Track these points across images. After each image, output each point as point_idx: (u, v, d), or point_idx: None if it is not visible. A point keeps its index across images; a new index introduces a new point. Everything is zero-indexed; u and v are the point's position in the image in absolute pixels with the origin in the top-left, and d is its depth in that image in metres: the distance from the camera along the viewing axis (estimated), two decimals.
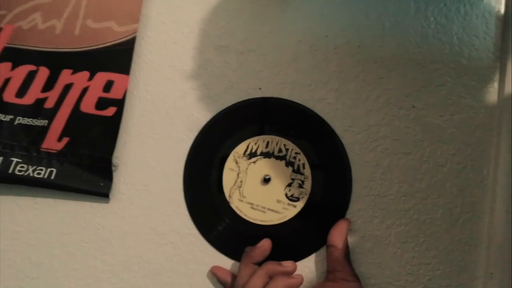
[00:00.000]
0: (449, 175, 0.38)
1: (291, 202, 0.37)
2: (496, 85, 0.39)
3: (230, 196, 0.38)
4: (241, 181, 0.38)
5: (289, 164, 0.38)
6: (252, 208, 0.38)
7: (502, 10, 0.41)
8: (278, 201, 0.38)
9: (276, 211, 0.38)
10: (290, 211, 0.37)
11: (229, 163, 0.39)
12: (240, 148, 0.39)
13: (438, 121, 0.39)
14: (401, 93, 0.40)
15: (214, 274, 0.37)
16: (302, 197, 0.37)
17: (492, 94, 0.39)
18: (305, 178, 0.38)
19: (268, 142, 0.39)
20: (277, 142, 0.38)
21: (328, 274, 0.35)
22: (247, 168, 0.38)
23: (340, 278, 0.34)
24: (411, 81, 0.40)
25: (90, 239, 0.39)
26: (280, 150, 0.38)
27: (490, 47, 0.40)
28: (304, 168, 0.38)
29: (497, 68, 0.40)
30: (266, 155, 0.39)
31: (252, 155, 0.39)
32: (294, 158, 0.38)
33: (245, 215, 0.38)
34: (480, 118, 0.39)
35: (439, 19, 0.41)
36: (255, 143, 0.39)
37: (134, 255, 0.39)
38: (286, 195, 0.38)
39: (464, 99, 0.39)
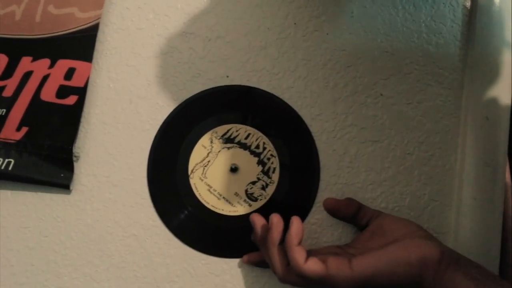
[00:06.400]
0: (417, 163, 0.38)
1: (247, 200, 0.37)
2: (462, 73, 0.39)
3: (192, 171, 0.37)
4: (209, 161, 0.37)
5: (261, 163, 0.37)
6: (209, 191, 0.37)
7: None
8: (236, 194, 0.37)
9: (230, 203, 0.37)
10: (243, 208, 0.36)
11: (204, 140, 0.38)
12: (221, 129, 0.38)
13: (405, 108, 0.39)
14: (369, 81, 0.39)
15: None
16: (260, 200, 0.37)
17: (458, 82, 0.39)
18: (270, 182, 0.37)
19: (249, 134, 0.38)
20: (258, 137, 0.37)
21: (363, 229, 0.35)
22: (219, 151, 0.37)
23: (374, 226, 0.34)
24: (379, 69, 0.39)
25: (49, 233, 0.37)
26: (257, 146, 0.37)
27: (457, 35, 0.40)
28: (273, 172, 0.37)
29: (463, 56, 0.40)
30: (243, 146, 0.38)
31: (229, 140, 0.38)
32: (268, 159, 0.37)
33: (199, 194, 0.37)
34: (447, 106, 0.39)
35: (407, 7, 0.41)
36: (236, 130, 0.38)
37: (96, 248, 0.37)
38: (246, 191, 0.37)
39: (431, 87, 0.39)
